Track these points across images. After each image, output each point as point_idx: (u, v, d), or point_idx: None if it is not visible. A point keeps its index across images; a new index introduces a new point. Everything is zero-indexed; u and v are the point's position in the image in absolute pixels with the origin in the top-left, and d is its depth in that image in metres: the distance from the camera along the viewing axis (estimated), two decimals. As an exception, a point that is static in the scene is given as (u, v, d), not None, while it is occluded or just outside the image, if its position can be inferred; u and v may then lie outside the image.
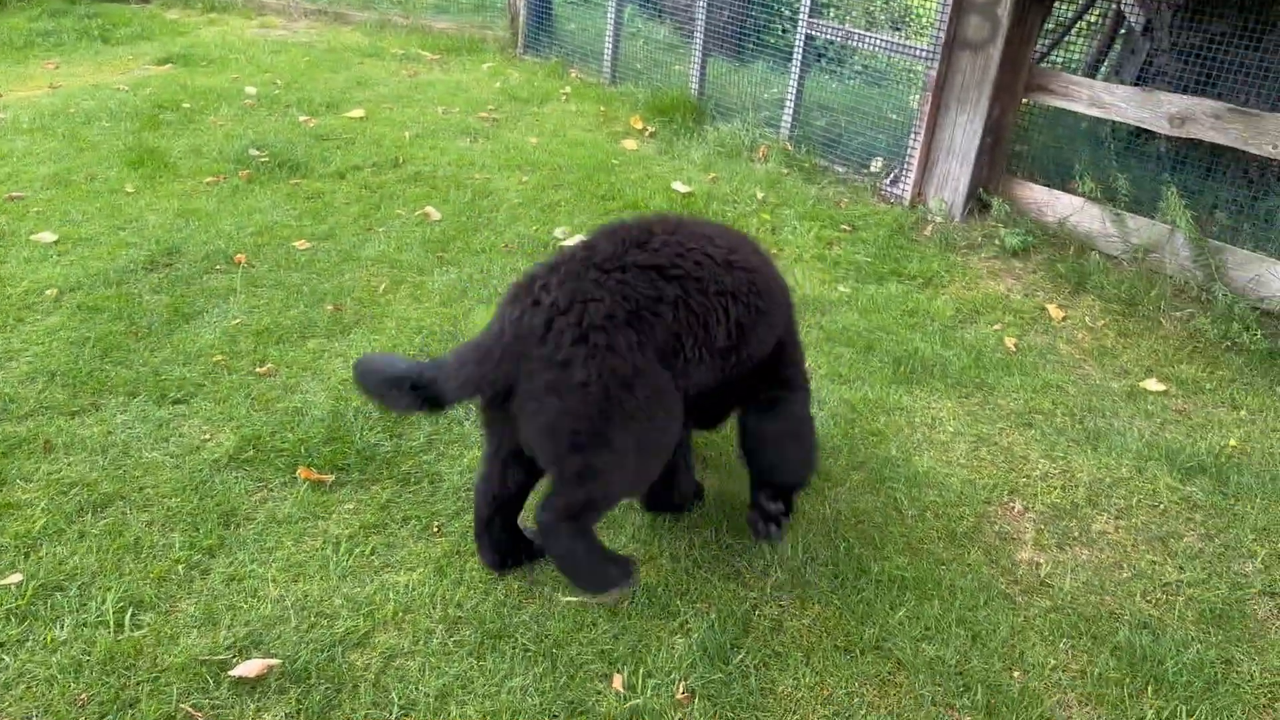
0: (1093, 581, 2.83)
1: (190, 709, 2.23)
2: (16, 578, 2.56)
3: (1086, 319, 4.64)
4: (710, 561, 2.79)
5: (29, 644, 2.37)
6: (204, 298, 4.04)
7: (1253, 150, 4.72)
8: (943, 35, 5.30)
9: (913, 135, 5.57)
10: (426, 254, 4.61)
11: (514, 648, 2.44)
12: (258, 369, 3.58)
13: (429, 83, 7.39)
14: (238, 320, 3.88)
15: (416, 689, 2.31)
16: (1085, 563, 2.91)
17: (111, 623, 2.44)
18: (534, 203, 5.31)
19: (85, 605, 2.49)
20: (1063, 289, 4.90)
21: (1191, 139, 4.97)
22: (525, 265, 4.41)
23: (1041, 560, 2.91)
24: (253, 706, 2.25)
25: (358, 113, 6.47)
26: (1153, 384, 4.10)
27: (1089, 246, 5.25)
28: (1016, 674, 2.48)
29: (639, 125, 6.68)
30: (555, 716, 2.27)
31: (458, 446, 3.22)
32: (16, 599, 2.49)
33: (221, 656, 2.36)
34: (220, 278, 4.22)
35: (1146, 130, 5.51)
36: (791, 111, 6.18)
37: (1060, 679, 2.48)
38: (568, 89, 7.41)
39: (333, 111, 6.49)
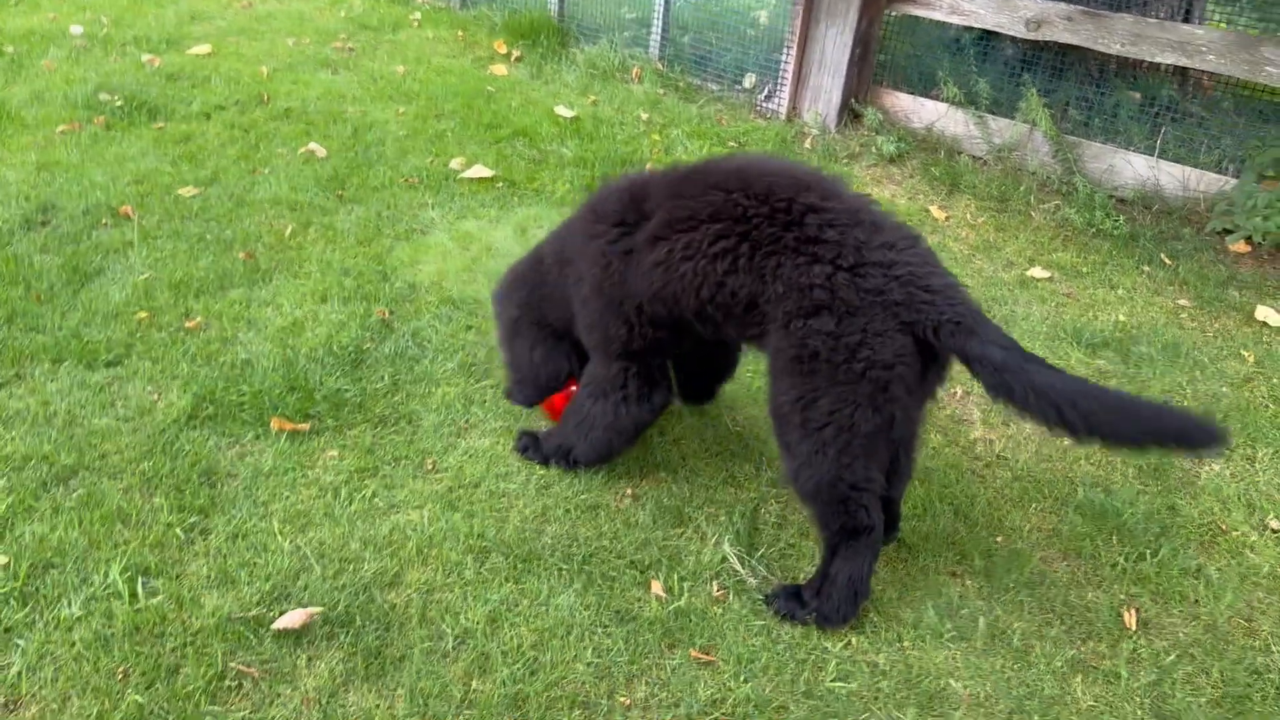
0: (1041, 451, 3.12)
1: (241, 667, 2.19)
2: (1, 560, 2.41)
3: (966, 217, 4.97)
4: (707, 470, 2.91)
5: (41, 624, 2.25)
6: (99, 254, 3.79)
7: (1102, 49, 5.12)
8: (812, -50, 5.45)
9: (785, 50, 5.72)
10: (324, 193, 4.45)
11: (546, 569, 2.50)
12: (186, 324, 3.41)
13: (268, 14, 6.99)
14: (145, 275, 3.67)
15: (464, 618, 2.34)
16: (1029, 436, 3.20)
17: (125, 593, 2.34)
18: (419, 134, 5.18)
19: (88, 580, 2.38)
20: (940, 191, 5.21)
21: (1042, 41, 5.33)
22: (431, 199, 4.35)
23: (993, 437, 3.18)
24: (304, 656, 2.23)
25: (203, 49, 6.07)
26: (1038, 272, 4.46)
27: (957, 149, 5.58)
28: (1000, 539, 2.74)
29: (503, 50, 6.56)
30: (606, 626, 2.35)
31: (423, 385, 3.20)
32: (8, 581, 2.35)
33: (255, 612, 2.32)
34: (110, 232, 3.95)
35: (991, 34, 5.87)
36: (660, 31, 6.22)
37: (1038, 539, 2.75)
38: (417, 15, 7.17)
39: (175, 49, 6.07)
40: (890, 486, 2.45)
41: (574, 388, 2.91)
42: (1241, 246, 4.74)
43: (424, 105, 5.53)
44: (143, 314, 3.42)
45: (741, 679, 2.24)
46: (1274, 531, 2.85)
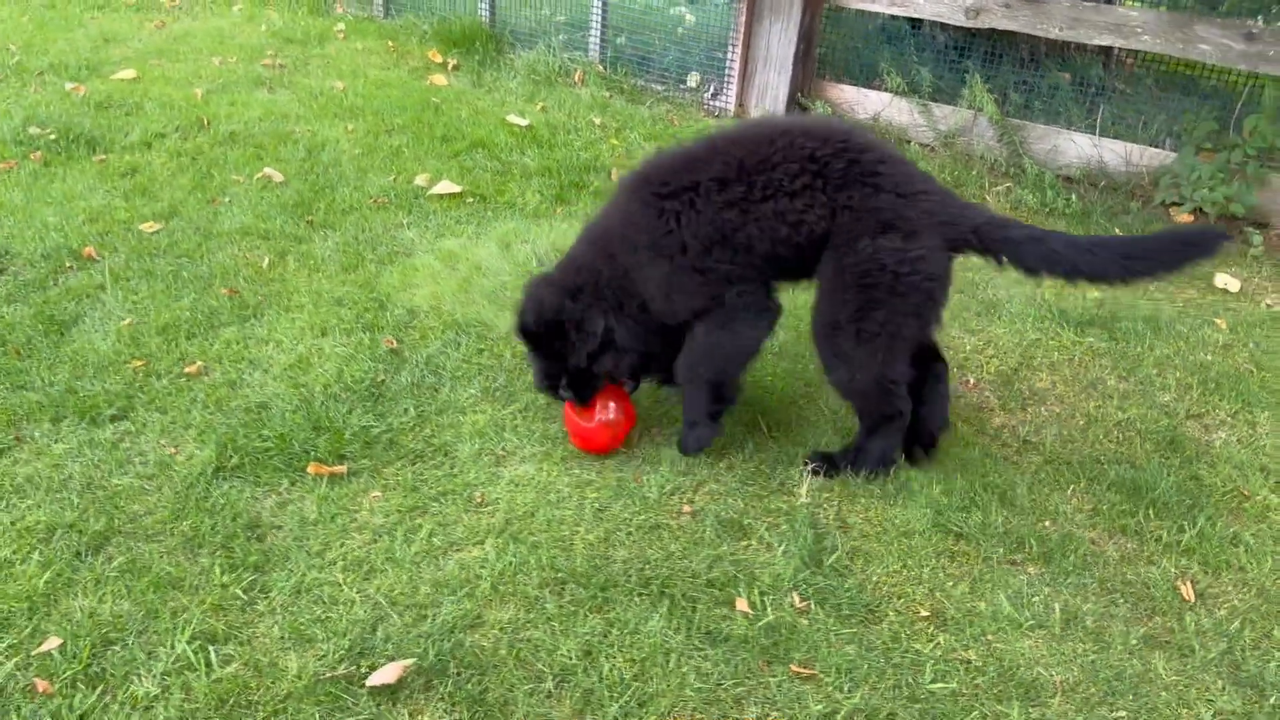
0: (1062, 433, 3.22)
1: (346, 730, 2.11)
2: (56, 642, 2.27)
3: (927, 204, 5.07)
4: (756, 479, 2.92)
5: (116, 707, 2.13)
6: (71, 301, 3.60)
7: (1040, 34, 5.29)
8: (756, -53, 5.49)
9: (730, 48, 5.76)
10: (292, 220, 4.31)
11: (626, 595, 2.48)
12: (186, 369, 3.26)
13: (185, 33, 6.72)
14: (127, 320, 3.50)
15: (558, 655, 2.30)
16: (1048, 418, 3.30)
17: (199, 664, 2.23)
18: (374, 151, 5.06)
19: (153, 654, 2.26)
20: (896, 179, 5.30)
21: (978, 29, 5.48)
22: (405, 218, 4.26)
23: (1014, 423, 3.27)
24: (405, 711, 2.16)
25: (128, 74, 5.80)
26: (1004, 255, 4.58)
27: (904, 138, 5.70)
28: (1048, 523, 2.82)
29: (438, 59, 6.44)
30: (700, 648, 2.34)
31: (450, 414, 3.13)
32: (71, 663, 2.21)
33: (342, 670, 2.24)
34: (77, 276, 3.75)
35: (917, 22, 6.01)
36: (599, 33, 6.18)
37: (1082, 519, 2.84)
38: (341, 26, 6.99)
39: (97, 75, 5.78)
40: (925, 404, 2.94)
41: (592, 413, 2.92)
42: (1187, 217, 4.97)
43: (372, 121, 5.39)
44: (137, 362, 3.26)
45: (845, 690, 2.26)
46: (1291, 493, 3.00)
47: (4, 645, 2.26)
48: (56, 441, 2.91)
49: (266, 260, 3.96)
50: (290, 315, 3.59)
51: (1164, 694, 2.30)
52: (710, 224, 2.72)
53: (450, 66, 6.35)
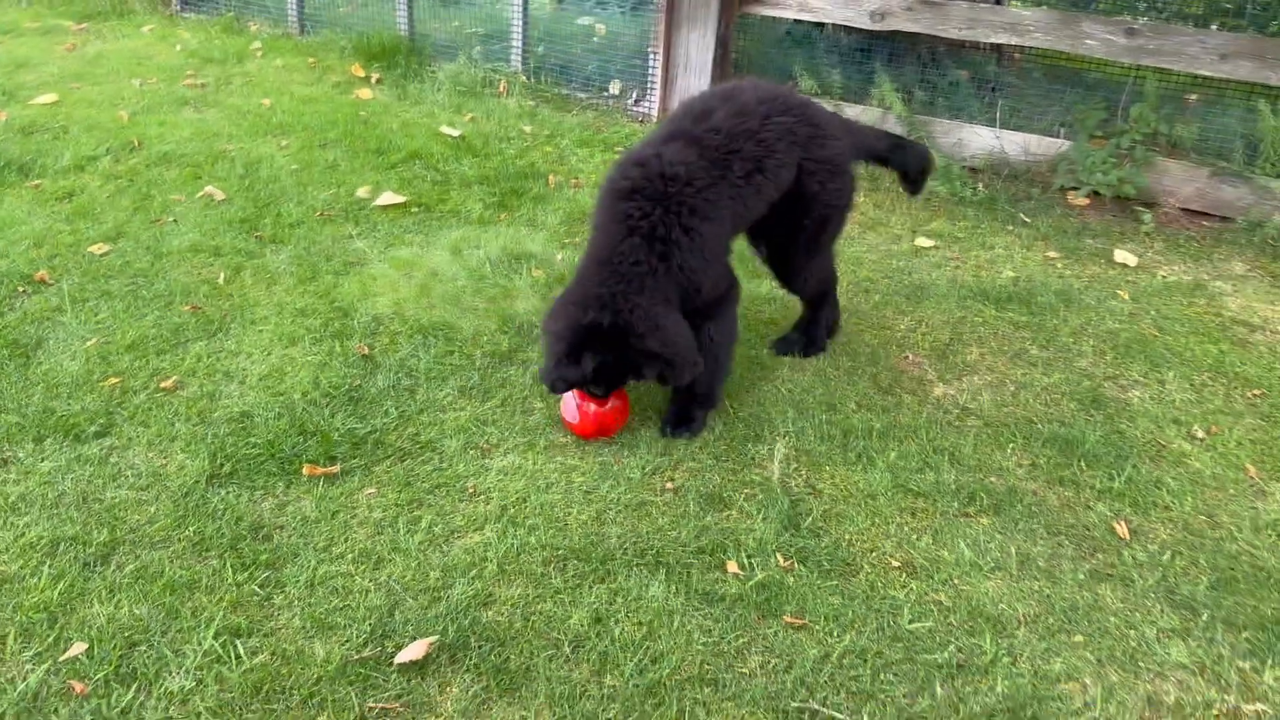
0: (997, 398, 3.52)
1: (382, 705, 2.24)
2: (81, 647, 2.35)
3: (847, 198, 5.37)
4: (730, 456, 3.13)
5: (153, 703, 2.23)
6: (31, 325, 3.61)
7: (942, 35, 5.65)
8: (673, -42, 5.72)
9: (651, 55, 5.98)
10: (241, 236, 4.37)
11: (625, 566, 2.66)
12: (161, 384, 3.32)
13: (98, 55, 6.64)
14: (93, 340, 3.53)
15: (569, 623, 2.47)
16: (983, 385, 3.60)
17: (229, 656, 2.34)
18: (310, 166, 5.13)
19: (180, 651, 2.36)
20: (816, 175, 5.59)
21: (881, 31, 5.81)
22: (353, 230, 4.37)
23: (953, 391, 3.56)
24: (435, 684, 2.31)
25: (48, 98, 5.73)
26: (924, 241, 4.92)
27: (820, 136, 5.99)
28: (994, 479, 3.10)
29: (361, 73, 6.51)
30: (700, 608, 2.54)
31: (431, 413, 3.26)
32: (101, 666, 2.30)
33: (369, 652, 2.37)
34: (32, 300, 3.76)
35: (819, 25, 6.33)
36: (521, 44, 6.34)
37: (1023, 473, 3.13)
38: (258, 44, 6.99)
39: (15, 100, 5.69)
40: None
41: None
42: (1083, 200, 5.37)
43: (304, 136, 5.45)
44: (112, 379, 3.31)
45: (835, 635, 2.48)
46: (1200, 440, 3.34)
47: (30, 654, 2.33)
48: (43, 460, 2.95)
49: (222, 276, 4.01)
50: (256, 327, 3.67)
51: (1113, 619, 2.58)
52: (729, 195, 3.06)
53: (374, 80, 6.42)
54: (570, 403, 3.12)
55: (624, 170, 3.02)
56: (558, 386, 2.98)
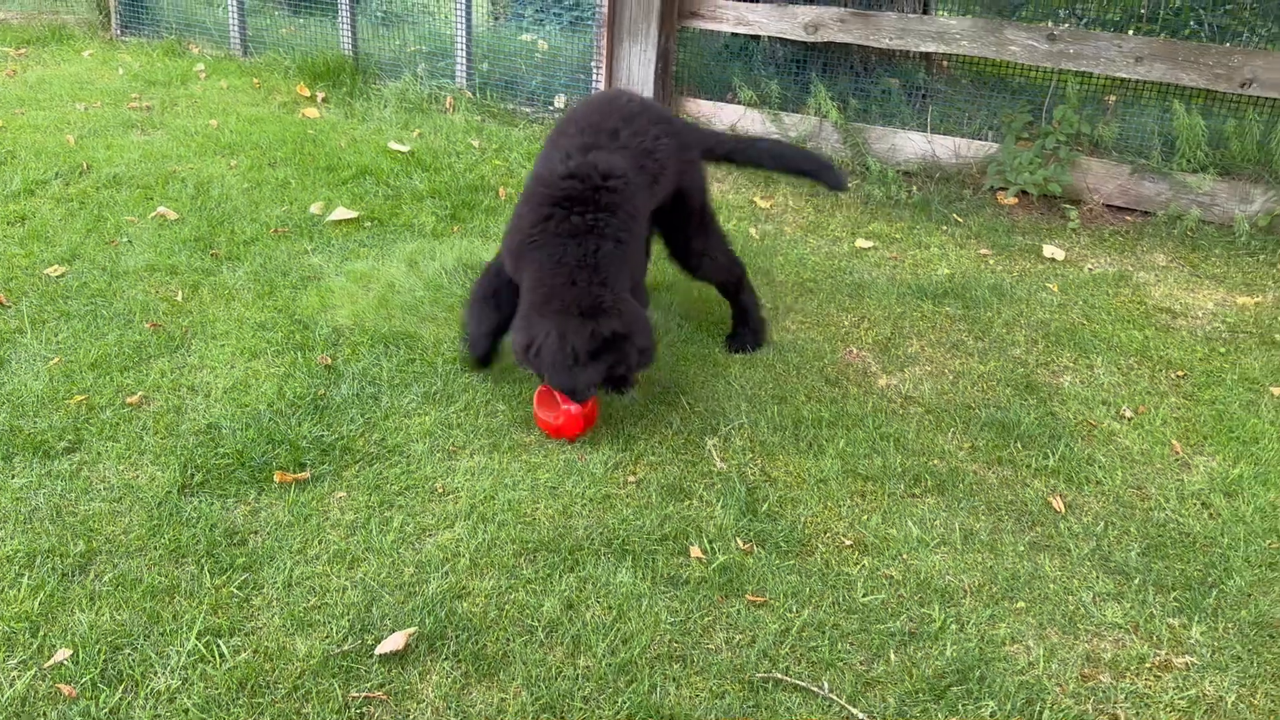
0: (937, 387, 3.70)
1: (365, 694, 2.34)
2: (65, 653, 2.41)
3: (789, 203, 5.57)
4: (687, 449, 3.27)
5: (141, 702, 2.30)
6: (-10, 345, 3.64)
7: (873, 44, 5.87)
8: (613, -25, 5.88)
9: (594, 69, 6.13)
10: (196, 254, 4.42)
11: (593, 555, 2.78)
12: (127, 400, 3.38)
13: (40, 80, 6.62)
14: (55, 359, 3.57)
15: (542, 610, 2.58)
16: (923, 375, 3.78)
17: (212, 655, 2.41)
18: (261, 185, 5.19)
19: (165, 652, 2.43)
20: (758, 183, 5.80)
21: (816, 42, 6.02)
22: (308, 245, 4.45)
23: (895, 382, 3.73)
24: (416, 672, 2.40)
25: (-10, 123, 5.72)
26: (863, 242, 5.12)
27: (761, 144, 6.18)
28: (937, 461, 3.27)
29: (306, 93, 6.57)
30: (666, 591, 2.67)
31: (396, 419, 3.35)
32: (86, 670, 2.36)
33: (350, 646, 2.46)
34: (-10, 322, 3.79)
35: (755, 37, 6.53)
36: (465, 60, 6.45)
37: (963, 455, 3.31)
38: (201, 66, 7.02)
39: (-44, 125, 5.67)
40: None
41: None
42: (1012, 200, 5.61)
43: (254, 155, 5.51)
44: (78, 397, 3.36)
45: (794, 610, 2.62)
46: (1128, 419, 3.55)
47: (15, 661, 2.38)
48: (13, 477, 2.99)
49: (180, 293, 4.07)
50: (218, 342, 3.73)
51: (1052, 586, 2.76)
52: (645, 196, 3.35)
53: (320, 99, 6.49)
54: (551, 404, 3.24)
55: (561, 182, 3.21)
56: (589, 392, 3.14)
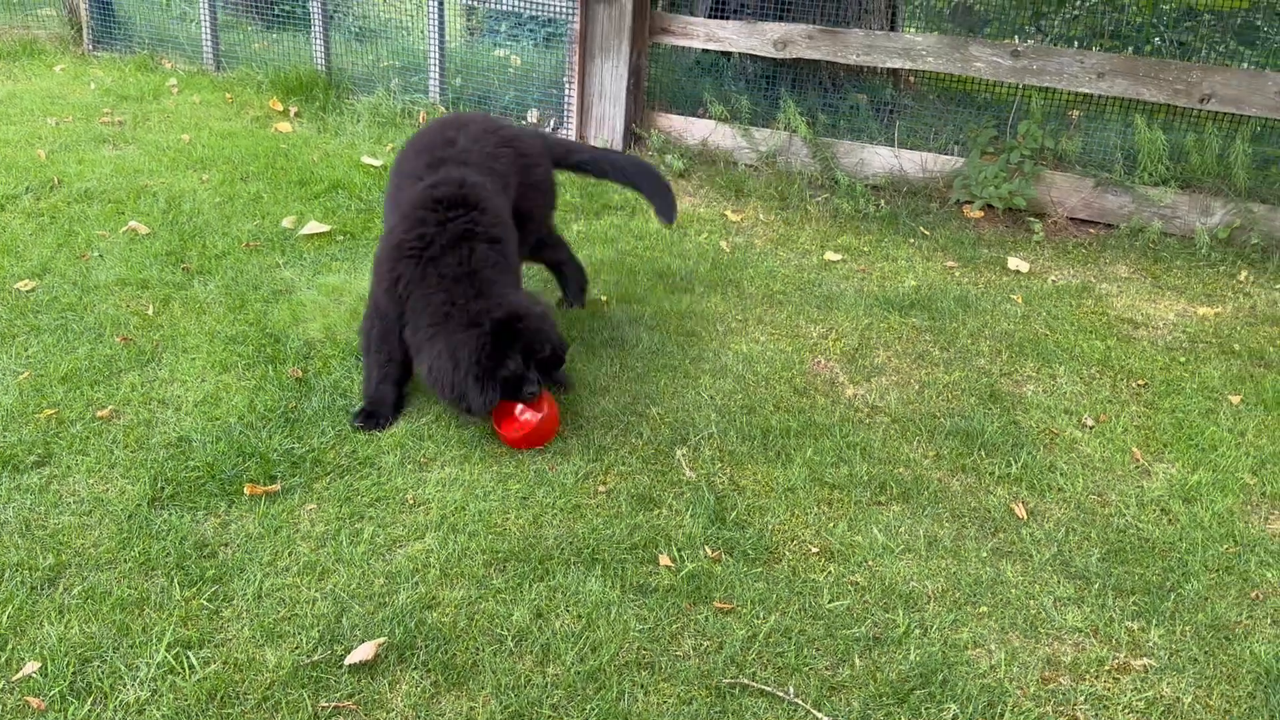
0: (903, 397, 3.76)
1: (335, 704, 2.35)
2: (34, 666, 2.41)
3: (759, 216, 5.64)
4: (657, 459, 3.30)
5: (110, 714, 2.30)
6: (-42, 360, 3.63)
7: (841, 60, 5.95)
8: (584, -9, 5.94)
9: (567, 85, 6.18)
10: (167, 268, 4.42)
11: (563, 564, 2.80)
12: (98, 414, 3.38)
13: (10, 95, 6.60)
14: (25, 374, 3.57)
15: (511, 619, 2.61)
16: (890, 385, 3.84)
17: (182, 667, 2.42)
18: (234, 199, 5.20)
19: (134, 664, 2.43)
20: (729, 197, 5.86)
21: (785, 58, 6.10)
22: (280, 259, 4.47)
23: (862, 392, 3.79)
24: (386, 681, 2.42)
25: (-40, 137, 5.70)
26: (831, 255, 5.18)
27: (730, 160, 6.26)
28: (902, 469, 3.32)
29: (279, 108, 6.58)
30: (634, 599, 2.70)
31: (365, 431, 3.37)
32: (55, 682, 2.36)
33: (320, 656, 2.47)
34: (-42, 336, 3.78)
35: (725, 54, 6.61)
36: (438, 75, 6.49)
37: (928, 464, 3.36)
38: (173, 81, 7.02)
39: (-74, 141, 5.65)
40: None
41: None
42: (978, 213, 5.70)
43: (226, 170, 5.52)
44: (48, 411, 3.35)
45: (761, 616, 2.66)
46: (1090, 427, 3.62)
47: (-17, 675, 2.37)
48: (-18, 491, 2.99)
49: (151, 307, 4.07)
50: (189, 356, 3.74)
51: (1014, 591, 2.81)
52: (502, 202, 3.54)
53: (292, 114, 6.50)
54: (510, 413, 3.26)
55: (435, 200, 3.32)
56: (491, 404, 3.20)
